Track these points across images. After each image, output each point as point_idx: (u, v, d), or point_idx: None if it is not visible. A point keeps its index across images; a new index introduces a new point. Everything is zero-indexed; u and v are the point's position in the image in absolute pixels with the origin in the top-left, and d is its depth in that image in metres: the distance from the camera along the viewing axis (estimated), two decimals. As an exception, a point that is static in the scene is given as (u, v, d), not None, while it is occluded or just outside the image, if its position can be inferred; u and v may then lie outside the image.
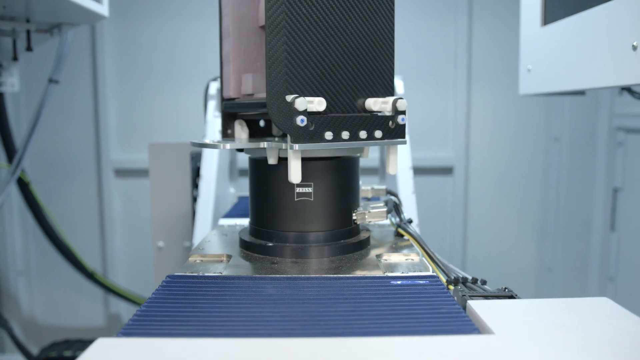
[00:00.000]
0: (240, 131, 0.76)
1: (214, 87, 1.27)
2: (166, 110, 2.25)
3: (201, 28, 2.18)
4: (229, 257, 0.73)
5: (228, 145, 0.70)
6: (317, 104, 0.64)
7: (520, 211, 2.35)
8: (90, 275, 1.93)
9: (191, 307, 0.54)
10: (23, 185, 1.76)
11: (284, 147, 0.66)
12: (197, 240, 1.02)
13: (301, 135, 0.63)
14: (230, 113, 0.77)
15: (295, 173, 0.65)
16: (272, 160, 0.70)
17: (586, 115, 2.24)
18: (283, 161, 0.71)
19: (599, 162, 2.23)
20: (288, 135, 0.63)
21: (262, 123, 0.83)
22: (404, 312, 0.52)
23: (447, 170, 2.31)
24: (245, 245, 0.76)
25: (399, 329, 0.47)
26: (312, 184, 0.72)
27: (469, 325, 0.48)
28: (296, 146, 0.63)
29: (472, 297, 0.55)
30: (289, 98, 0.63)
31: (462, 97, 2.25)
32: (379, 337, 0.44)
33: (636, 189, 2.05)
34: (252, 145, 0.69)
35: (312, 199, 0.72)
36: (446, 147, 2.30)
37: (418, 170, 2.26)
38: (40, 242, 2.15)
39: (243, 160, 1.49)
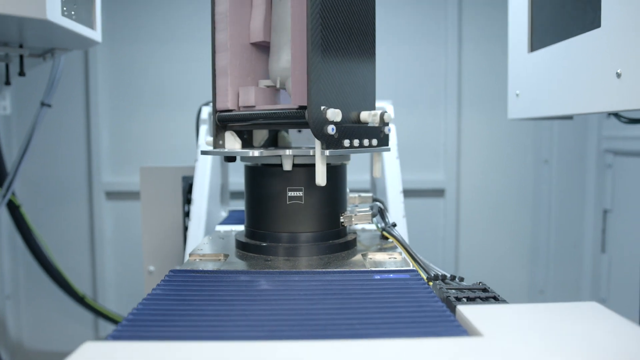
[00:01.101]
0: (234, 141, 0.83)
1: (206, 111, 1.27)
2: (158, 134, 2.28)
3: (193, 52, 2.24)
4: (226, 256, 0.80)
5: (251, 153, 0.78)
6: (337, 115, 0.73)
7: (511, 233, 2.37)
8: (80, 299, 1.92)
9: (187, 303, 0.58)
10: (13, 209, 1.76)
11: (311, 153, 0.75)
12: (188, 266, 1.02)
13: (330, 143, 0.72)
14: (222, 124, 0.83)
15: (322, 176, 0.73)
16: (287, 167, 0.78)
17: (575, 138, 2.29)
18: (277, 167, 0.79)
19: (589, 184, 2.26)
20: (317, 142, 0.71)
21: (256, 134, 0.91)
22: (390, 311, 0.55)
23: (438, 192, 2.33)
24: (241, 246, 0.83)
25: (388, 330, 0.49)
26: (303, 188, 0.79)
27: (456, 327, 0.50)
28: (327, 152, 0.71)
29: (457, 299, 0.59)
30: (322, 108, 0.71)
31: (452, 120, 2.29)
32: (368, 339, 0.45)
33: (625, 211, 2.07)
34: (271, 153, 0.78)
35: (302, 202, 0.80)
36: (437, 170, 2.32)
37: (410, 193, 2.28)
38: (30, 266, 2.14)
39: (234, 183, 1.49)
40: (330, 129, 0.71)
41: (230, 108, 0.81)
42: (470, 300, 0.58)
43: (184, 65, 2.25)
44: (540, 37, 0.99)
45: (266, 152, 0.77)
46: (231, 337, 0.47)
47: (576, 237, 2.33)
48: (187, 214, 1.30)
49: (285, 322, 0.52)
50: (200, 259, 0.79)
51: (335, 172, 0.83)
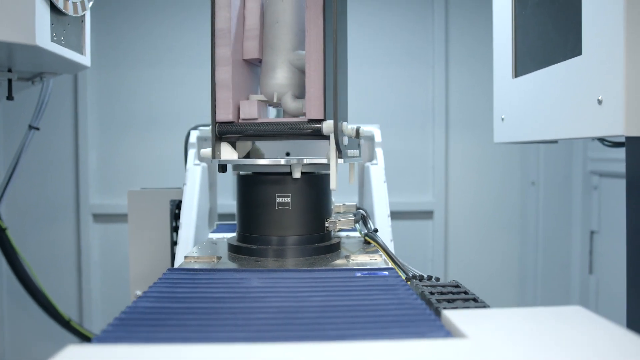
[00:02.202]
0: (231, 152, 0.90)
1: (195, 135, 1.28)
2: (146, 156, 2.30)
3: (180, 76, 2.29)
4: (219, 258, 0.87)
5: (260, 162, 0.87)
6: (349, 128, 0.85)
7: (499, 254, 2.39)
8: (66, 324, 1.90)
9: (179, 301, 0.62)
10: (-1, 232, 1.73)
11: (327, 161, 0.86)
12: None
13: (343, 152, 0.84)
14: (220, 136, 0.91)
15: (335, 182, 0.83)
16: (297, 175, 0.86)
17: (561, 160, 2.33)
18: (267, 175, 0.88)
19: (575, 206, 2.30)
20: (332, 151, 0.82)
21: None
22: (373, 308, 0.59)
23: (427, 214, 2.35)
24: (233, 249, 0.91)
25: (374, 331, 0.52)
26: (291, 195, 0.87)
27: (439, 327, 0.52)
28: (342, 160, 0.84)
29: (438, 301, 0.63)
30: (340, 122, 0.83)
31: (440, 142, 2.32)
32: (355, 341, 0.47)
33: (611, 232, 2.10)
34: (275, 162, 0.87)
35: (290, 208, 0.87)
36: (426, 191, 2.34)
37: (399, 214, 2.29)
38: (14, 290, 2.11)
39: (222, 205, 1.49)
40: (346, 140, 0.83)
41: (231, 120, 0.88)
42: (451, 301, 0.62)
43: (172, 88, 2.32)
44: (524, 63, 1.01)
45: (273, 161, 0.86)
46: (218, 339, 0.49)
47: (564, 258, 2.35)
48: (174, 238, 1.29)
49: (272, 321, 0.55)
50: (195, 260, 0.86)
51: (321, 180, 0.91)
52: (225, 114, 0.87)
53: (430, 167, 2.37)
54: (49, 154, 2.29)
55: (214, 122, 0.88)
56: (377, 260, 0.86)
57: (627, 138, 0.99)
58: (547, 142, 1.07)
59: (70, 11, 1.11)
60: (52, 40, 1.07)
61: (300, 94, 0.92)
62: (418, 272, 0.79)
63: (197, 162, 1.24)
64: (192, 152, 1.27)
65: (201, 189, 1.19)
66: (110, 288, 2.33)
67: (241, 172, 0.93)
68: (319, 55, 0.83)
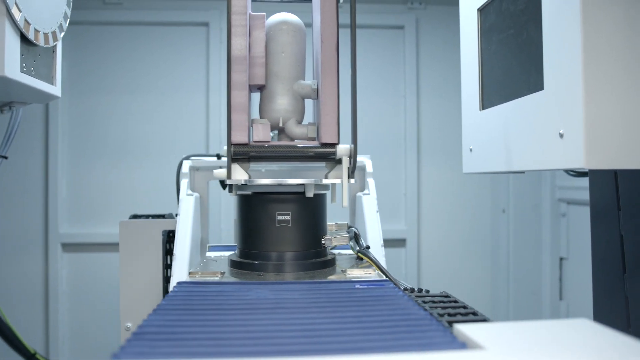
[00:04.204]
0: (242, 172, 0.95)
1: (187, 165, 1.27)
2: (118, 185, 2.28)
3: (154, 104, 2.30)
4: (222, 273, 0.93)
5: (292, 181, 0.94)
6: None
7: (471, 281, 2.43)
8: (31, 357, 1.83)
9: (194, 314, 0.65)
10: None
11: (340, 181, 0.95)
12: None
13: (352, 173, 0.94)
14: (235, 157, 0.98)
15: (346, 200, 0.93)
16: (310, 194, 0.95)
17: (530, 188, 2.41)
18: (268, 195, 0.95)
19: (545, 233, 2.35)
20: (344, 172, 0.92)
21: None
22: (382, 319, 0.62)
23: (400, 242, 2.37)
24: (235, 265, 0.98)
25: (389, 343, 0.54)
26: (290, 213, 0.94)
27: (452, 338, 0.55)
28: (352, 180, 0.94)
29: (442, 314, 0.68)
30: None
31: (412, 171, 2.38)
32: (374, 354, 0.48)
33: (580, 258, 2.14)
34: (311, 181, 0.96)
35: (290, 225, 0.95)
36: (399, 219, 2.37)
37: (371, 243, 2.28)
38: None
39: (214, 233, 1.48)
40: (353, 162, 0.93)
41: (246, 142, 0.95)
42: (452, 315, 0.67)
43: (145, 116, 2.37)
44: (490, 96, 1.04)
45: (291, 181, 0.94)
46: (238, 353, 0.51)
47: (534, 284, 2.39)
48: (166, 268, 1.28)
49: (286, 333, 0.57)
50: (200, 276, 0.91)
51: (318, 200, 0.99)
52: (241, 136, 0.94)
53: (402, 195, 2.40)
54: (17, 182, 2.29)
55: (230, 143, 0.95)
56: (371, 274, 0.94)
57: (590, 170, 1.02)
58: (514, 172, 1.09)
59: (41, 42, 1.10)
60: (22, 71, 1.06)
61: (300, 120, 1.02)
62: (408, 285, 0.87)
63: (190, 192, 1.24)
64: (184, 182, 1.27)
65: (194, 219, 1.17)
66: (79, 319, 2.31)
67: (242, 192, 1.00)
68: (334, 85, 0.94)
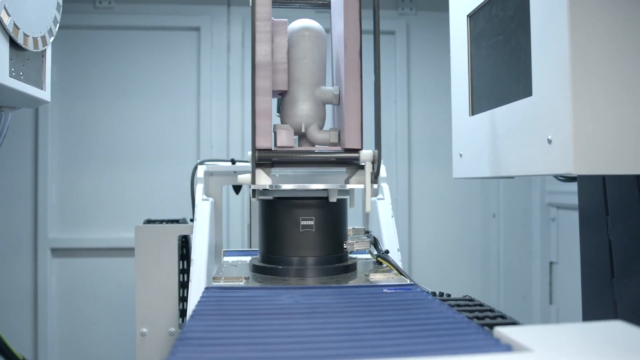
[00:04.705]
0: (266, 178, 0.95)
1: (202, 170, 1.27)
2: (109, 190, 2.27)
3: (145, 108, 2.26)
4: (247, 278, 0.93)
5: (317, 186, 0.95)
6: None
7: (462, 285, 2.45)
8: (19, 364, 1.81)
9: (232, 319, 0.65)
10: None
11: (360, 186, 0.96)
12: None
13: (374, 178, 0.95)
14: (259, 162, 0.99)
15: (369, 205, 0.92)
16: (333, 199, 0.96)
17: (520, 193, 2.43)
18: (290, 200, 0.96)
19: (535, 237, 2.36)
20: (368, 177, 0.92)
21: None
22: (422, 322, 0.62)
23: (391, 247, 2.34)
24: (258, 270, 0.98)
25: (434, 347, 0.54)
26: (314, 218, 0.95)
27: (495, 341, 0.55)
28: (376, 185, 0.93)
29: (479, 318, 0.69)
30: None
31: (403, 176, 2.40)
32: (420, 357, 0.49)
33: (570, 262, 2.15)
34: (336, 187, 0.96)
35: (313, 230, 0.95)
36: (390, 224, 2.34)
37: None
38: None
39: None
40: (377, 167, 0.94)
41: (269, 147, 0.95)
42: (481, 318, 0.68)
43: (136, 121, 2.36)
44: (479, 102, 1.05)
45: (324, 186, 0.95)
46: (288, 358, 0.51)
47: (525, 289, 2.40)
48: (182, 273, 1.27)
49: (331, 337, 0.57)
50: (224, 280, 0.91)
51: (341, 204, 1.00)
52: (265, 142, 0.94)
53: (393, 200, 2.40)
54: (6, 187, 2.27)
55: (254, 148, 0.95)
56: (393, 278, 0.95)
57: (578, 175, 1.03)
58: (503, 177, 1.10)
59: (30, 46, 1.10)
60: (11, 76, 1.06)
61: (321, 126, 1.03)
62: (428, 290, 0.88)
63: (205, 197, 1.23)
64: (200, 187, 1.27)
65: (210, 224, 1.17)
66: (68, 325, 2.29)
67: (262, 197, 1.01)
68: (357, 90, 0.96)
